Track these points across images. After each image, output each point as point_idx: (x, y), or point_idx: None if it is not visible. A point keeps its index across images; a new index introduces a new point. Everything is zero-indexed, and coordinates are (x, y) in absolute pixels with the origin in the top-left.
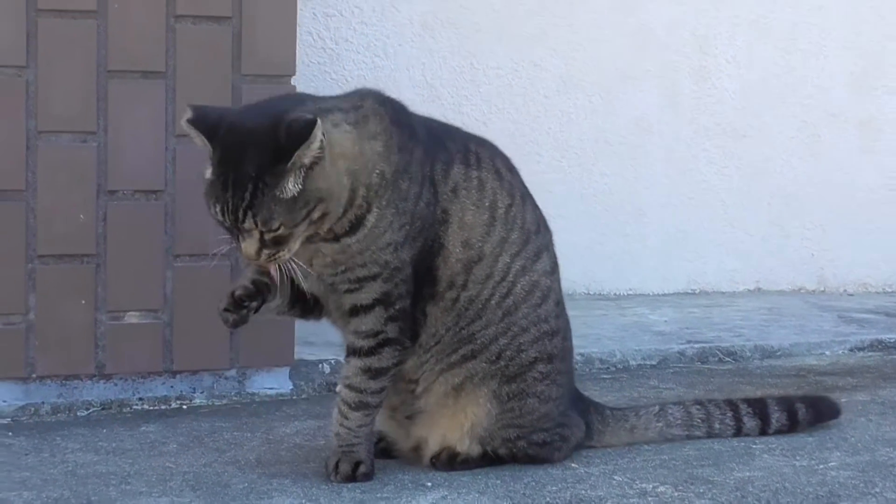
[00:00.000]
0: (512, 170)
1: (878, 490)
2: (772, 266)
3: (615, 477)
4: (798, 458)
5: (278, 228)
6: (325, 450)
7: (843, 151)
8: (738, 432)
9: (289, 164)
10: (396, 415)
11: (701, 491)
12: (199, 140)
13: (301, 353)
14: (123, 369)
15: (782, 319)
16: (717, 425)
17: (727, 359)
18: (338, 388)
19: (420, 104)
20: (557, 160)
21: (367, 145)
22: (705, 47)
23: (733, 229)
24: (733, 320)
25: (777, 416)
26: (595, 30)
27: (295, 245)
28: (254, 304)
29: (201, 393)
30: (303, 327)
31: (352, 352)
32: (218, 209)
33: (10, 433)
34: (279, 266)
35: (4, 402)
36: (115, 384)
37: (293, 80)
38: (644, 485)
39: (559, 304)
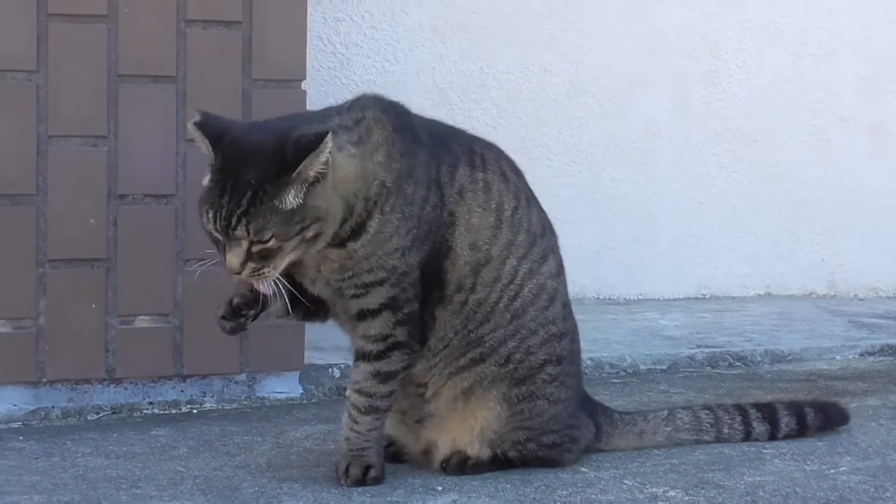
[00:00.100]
0: (517, 172)
1: (888, 495)
2: (782, 271)
3: (625, 481)
4: (808, 462)
5: (269, 240)
6: (335, 454)
7: (853, 156)
8: (748, 437)
9: (294, 174)
10: (406, 419)
11: (711, 495)
12: (203, 145)
13: (311, 357)
14: (134, 373)
15: (793, 324)
16: (725, 430)
17: (737, 363)
18: (347, 393)
19: (430, 109)
20: (567, 164)
21: (369, 163)
22: (715, 52)
23: (743, 234)
24: (743, 325)
25: (786, 421)
26: (605, 34)
27: (280, 263)
28: (251, 311)
29: (211, 397)
30: (313, 332)
31: (361, 356)
32: (210, 215)
33: (21, 437)
34: (267, 282)
35: (15, 406)
36: (126, 388)
37: (303, 85)
38: (654, 489)
39: (566, 305)
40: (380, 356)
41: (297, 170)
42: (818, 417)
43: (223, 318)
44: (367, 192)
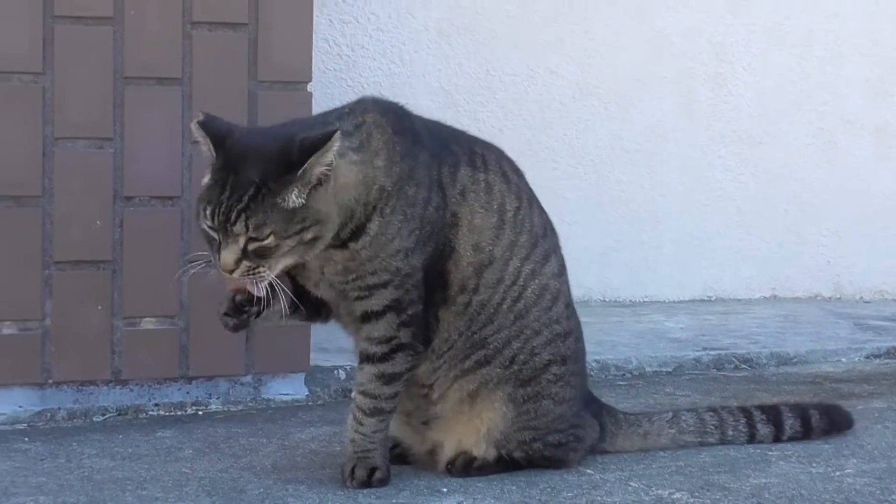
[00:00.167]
0: (518, 172)
1: (894, 498)
2: (788, 273)
3: (631, 483)
4: (814, 465)
5: (267, 237)
6: (340, 455)
7: (859, 158)
8: (752, 439)
9: (299, 173)
10: (412, 420)
11: (717, 498)
12: (206, 145)
13: (316, 359)
14: (139, 375)
15: (798, 326)
16: (730, 432)
17: (743, 366)
18: (352, 395)
19: (436, 111)
20: (573, 167)
21: (369, 169)
22: (721, 54)
23: (749, 236)
24: (749, 327)
25: (791, 423)
26: (611, 37)
27: (276, 264)
28: (254, 309)
29: (217, 399)
30: (318, 334)
31: (365, 358)
32: (209, 211)
33: (27, 438)
34: (260, 285)
35: (21, 407)
36: (132, 390)
37: (309, 87)
38: (660, 491)
39: (569, 305)
40: (384, 358)
41: (303, 168)
42: (823, 420)
43: (226, 314)
44: (366, 198)
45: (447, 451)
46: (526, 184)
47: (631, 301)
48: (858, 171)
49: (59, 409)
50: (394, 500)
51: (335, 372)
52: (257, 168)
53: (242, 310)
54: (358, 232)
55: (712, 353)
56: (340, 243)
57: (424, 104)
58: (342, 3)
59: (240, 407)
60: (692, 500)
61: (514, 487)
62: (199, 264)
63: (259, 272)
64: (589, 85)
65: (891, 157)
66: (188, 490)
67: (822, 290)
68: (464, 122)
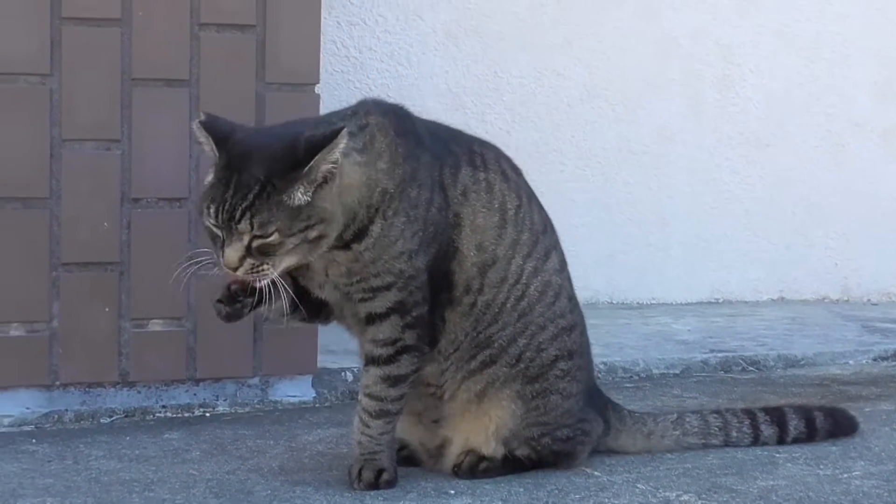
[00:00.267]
0: (516, 170)
1: None
2: (795, 275)
3: (638, 485)
4: (822, 467)
5: (272, 234)
6: (347, 457)
7: (866, 161)
8: (756, 440)
9: (305, 170)
10: (422, 419)
11: (724, 500)
12: (208, 145)
13: (324, 361)
14: (147, 377)
15: (806, 329)
16: (734, 433)
17: (750, 368)
18: (359, 397)
19: (443, 113)
20: (580, 169)
21: (373, 170)
22: (729, 56)
23: (757, 238)
24: (756, 329)
25: (795, 424)
26: (619, 39)
27: (279, 262)
28: (249, 300)
29: (224, 401)
30: (325, 335)
31: (370, 360)
32: (212, 210)
33: (34, 440)
34: (258, 283)
35: (28, 409)
36: (139, 392)
37: (317, 89)
38: (667, 493)
39: (572, 299)
40: (389, 360)
41: (310, 165)
42: (827, 422)
43: (219, 301)
44: (369, 200)
45: (455, 449)
46: (524, 181)
47: (638, 303)
48: (866, 173)
49: (67, 410)
50: (401, 502)
51: (342, 374)
52: (262, 166)
53: (236, 299)
54: (361, 234)
55: (720, 355)
56: (343, 244)
57: (432, 106)
58: (350, 5)
59: (247, 409)
60: (699, 502)
61: (521, 489)
62: (202, 262)
63: (262, 270)
64: (596, 87)
65: None
66: (195, 492)
67: (830, 292)
68: (471, 124)
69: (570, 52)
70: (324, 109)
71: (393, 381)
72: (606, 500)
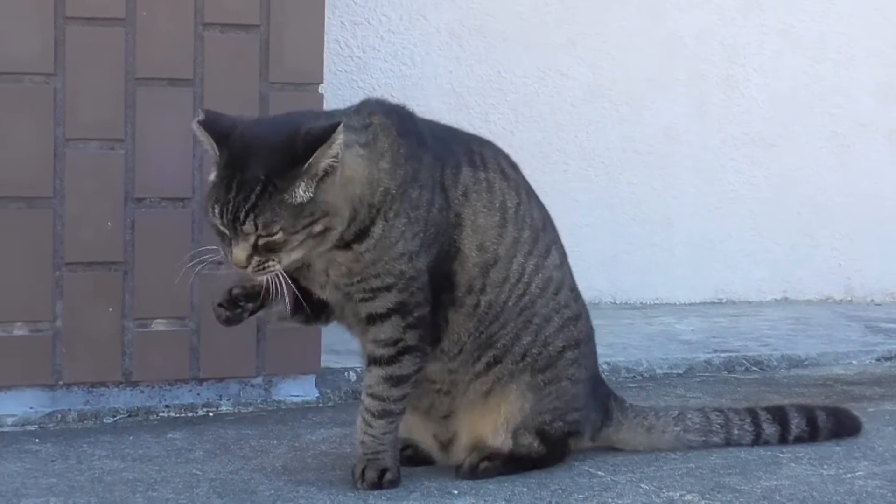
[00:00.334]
0: (514, 167)
1: None
2: (799, 276)
3: (642, 485)
4: (825, 467)
5: (276, 233)
6: (351, 457)
7: (871, 161)
8: (758, 438)
9: (305, 167)
10: (430, 415)
11: (728, 499)
12: (208, 143)
13: (327, 360)
14: (150, 377)
15: (809, 329)
16: (735, 431)
17: (754, 368)
18: (361, 397)
19: (447, 113)
20: (584, 169)
21: (375, 168)
22: (733, 56)
23: (761, 239)
24: (760, 330)
25: (797, 422)
26: (623, 38)
27: (287, 258)
28: (250, 305)
29: (227, 400)
30: (328, 335)
31: (372, 361)
32: (217, 210)
33: (37, 440)
34: (268, 279)
35: (31, 408)
36: (142, 391)
37: (320, 89)
38: (671, 493)
39: (573, 289)
40: (391, 360)
41: (308, 162)
42: (830, 421)
43: (220, 305)
44: (371, 199)
45: (462, 444)
46: (522, 177)
47: (642, 303)
48: (871, 174)
49: (70, 410)
50: (404, 502)
51: (346, 374)
52: (262, 164)
53: (237, 304)
54: (362, 234)
55: (723, 355)
56: (345, 245)
57: (435, 106)
58: (353, 5)
59: (250, 408)
60: (703, 501)
61: (525, 489)
62: (209, 260)
63: (270, 266)
64: (601, 87)
65: None
66: (199, 492)
67: (834, 292)
68: (475, 124)
69: (573, 52)
70: (327, 109)
71: (395, 381)
72: (610, 500)
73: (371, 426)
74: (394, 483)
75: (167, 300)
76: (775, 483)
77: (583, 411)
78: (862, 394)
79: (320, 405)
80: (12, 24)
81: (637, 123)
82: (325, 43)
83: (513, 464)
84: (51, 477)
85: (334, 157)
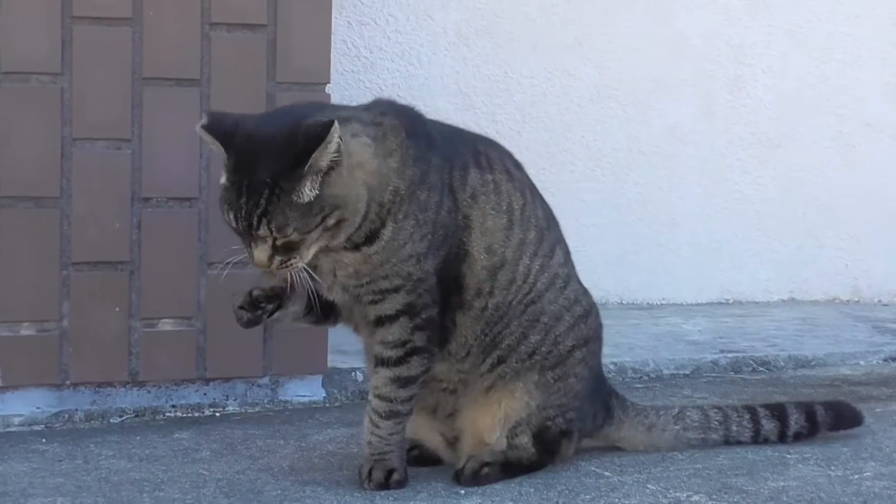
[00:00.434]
0: (518, 166)
1: None
2: (806, 276)
3: (648, 486)
4: (833, 467)
5: (291, 234)
6: (358, 457)
7: (878, 162)
8: (757, 435)
9: (306, 168)
10: (437, 414)
11: (735, 500)
12: (215, 146)
13: (334, 360)
14: (157, 377)
15: (816, 329)
16: (734, 427)
17: (761, 368)
18: (369, 398)
19: (454, 113)
20: (591, 169)
21: (384, 162)
22: (740, 57)
23: (767, 239)
24: (767, 330)
25: (795, 418)
26: (629, 39)
27: (307, 253)
28: (269, 306)
29: (234, 400)
30: (335, 335)
31: (380, 362)
32: (231, 216)
33: (44, 440)
34: (291, 275)
35: (38, 408)
36: (149, 391)
37: (327, 89)
38: (678, 493)
39: (580, 283)
40: (399, 362)
41: (308, 163)
42: (828, 415)
43: (241, 307)
44: (381, 198)
45: (467, 440)
46: (526, 176)
47: (648, 303)
48: (877, 174)
49: (77, 410)
50: (411, 503)
51: (352, 374)
52: (267, 167)
53: (258, 305)
54: (372, 236)
55: (730, 355)
56: (353, 246)
57: (442, 106)
58: (360, 5)
59: (257, 408)
60: (710, 502)
61: (532, 490)
62: (234, 260)
63: (293, 263)
64: (607, 87)
65: None
66: (205, 492)
67: (840, 293)
68: (482, 124)
69: (580, 53)
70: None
71: (403, 382)
72: (617, 501)
73: (378, 427)
74: (401, 483)
75: (174, 300)
76: (783, 484)
77: (580, 410)
78: (869, 394)
79: (327, 405)
80: (20, 24)
81: (643, 124)
82: (332, 43)
83: (509, 468)
84: (58, 477)
85: (335, 153)
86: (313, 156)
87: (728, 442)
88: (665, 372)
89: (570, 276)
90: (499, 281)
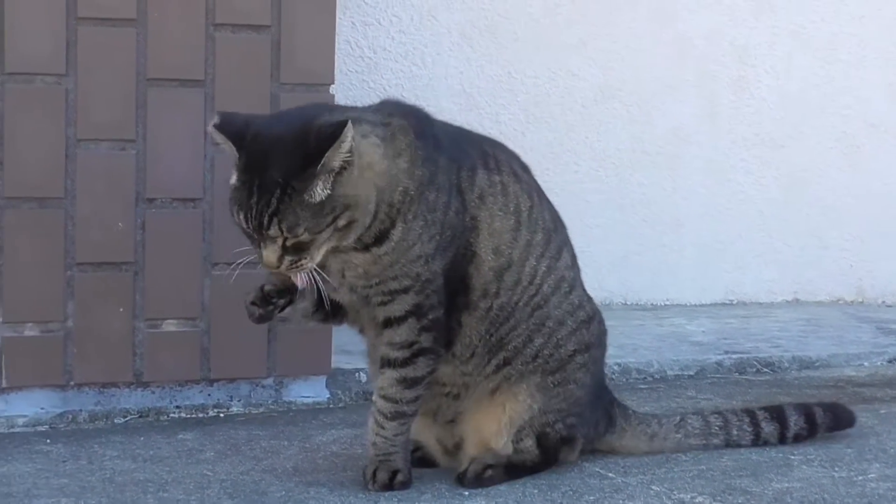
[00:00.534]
0: (525, 168)
1: None
2: (810, 277)
3: (653, 487)
4: (837, 469)
5: (302, 234)
6: (362, 458)
7: (882, 162)
8: (757, 437)
9: (319, 167)
10: (437, 419)
11: (739, 502)
12: (227, 146)
13: (338, 361)
14: (161, 377)
15: (820, 330)
16: (735, 431)
17: (765, 370)
18: (374, 399)
19: (458, 113)
20: (595, 170)
21: (393, 163)
22: (744, 57)
23: (771, 240)
24: (771, 331)
25: (795, 420)
26: (633, 39)
27: (317, 253)
28: (281, 301)
29: (238, 401)
30: (340, 336)
31: (386, 363)
32: (242, 216)
33: (49, 440)
34: (303, 275)
35: (42, 409)
36: (153, 392)
37: (332, 89)
38: (682, 495)
39: (584, 289)
40: (405, 363)
41: (321, 162)
42: (827, 416)
43: (253, 303)
44: (390, 198)
45: (470, 446)
46: (533, 178)
47: (652, 304)
48: (882, 174)
49: (81, 410)
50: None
51: (356, 374)
52: (279, 167)
53: (270, 301)
54: (382, 237)
55: (734, 356)
56: (363, 247)
57: (446, 106)
58: (364, 6)
59: (261, 409)
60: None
61: (536, 491)
62: (243, 261)
63: (302, 263)
64: (611, 88)
65: None
66: (210, 492)
67: (845, 294)
68: (486, 124)
69: (584, 53)
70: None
71: (409, 383)
72: (621, 502)
73: (383, 428)
74: (405, 484)
75: (178, 301)
76: (787, 485)
77: (581, 417)
78: (873, 395)
79: (331, 406)
80: (24, 25)
81: (647, 124)
82: (336, 43)
83: (513, 470)
84: (62, 477)
85: (347, 153)
86: (326, 155)
87: (729, 446)
88: (669, 373)
89: (576, 281)
90: (505, 282)
